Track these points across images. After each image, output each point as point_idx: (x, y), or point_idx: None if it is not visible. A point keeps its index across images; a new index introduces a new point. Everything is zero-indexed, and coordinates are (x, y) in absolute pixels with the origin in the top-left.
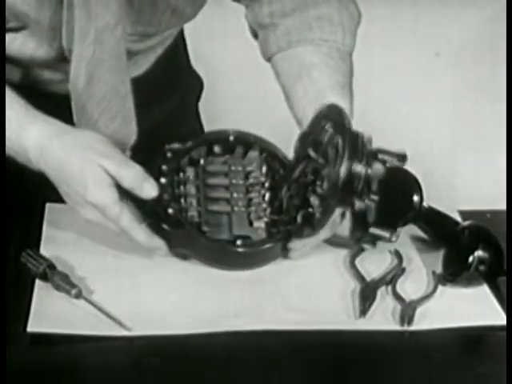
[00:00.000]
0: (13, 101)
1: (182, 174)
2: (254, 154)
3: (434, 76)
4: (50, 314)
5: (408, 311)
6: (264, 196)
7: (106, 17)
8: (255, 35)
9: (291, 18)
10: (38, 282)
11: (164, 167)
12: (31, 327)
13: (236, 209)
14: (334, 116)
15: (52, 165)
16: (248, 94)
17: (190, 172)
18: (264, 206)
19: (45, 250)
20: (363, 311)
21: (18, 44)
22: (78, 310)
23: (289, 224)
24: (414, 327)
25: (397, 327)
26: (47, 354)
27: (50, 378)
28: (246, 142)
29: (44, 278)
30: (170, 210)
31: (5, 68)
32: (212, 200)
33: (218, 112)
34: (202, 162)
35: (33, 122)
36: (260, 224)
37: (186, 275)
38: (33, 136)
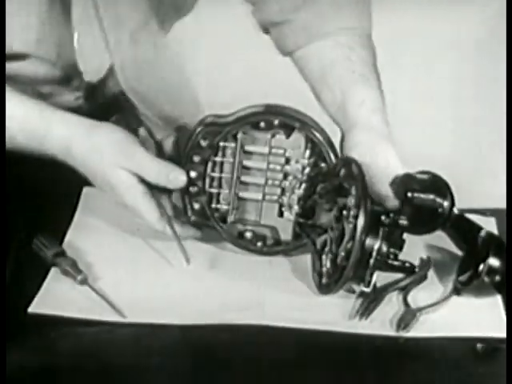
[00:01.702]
0: (24, 102)
1: (220, 152)
2: (299, 136)
3: (434, 76)
4: (53, 298)
5: (407, 317)
6: (300, 185)
7: (136, 17)
8: (266, 31)
9: (303, 11)
10: (53, 268)
11: (202, 142)
12: (32, 309)
13: (268, 197)
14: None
15: (76, 165)
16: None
17: (230, 149)
18: (298, 192)
19: (71, 235)
20: (362, 314)
21: (31, 68)
22: (82, 296)
23: (312, 233)
24: (416, 334)
25: (393, 333)
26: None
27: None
28: (291, 124)
29: (54, 264)
30: (196, 205)
31: (5, 67)
32: (245, 185)
33: None
34: (240, 138)
35: (47, 128)
36: (289, 215)
37: (192, 268)
38: (50, 145)
